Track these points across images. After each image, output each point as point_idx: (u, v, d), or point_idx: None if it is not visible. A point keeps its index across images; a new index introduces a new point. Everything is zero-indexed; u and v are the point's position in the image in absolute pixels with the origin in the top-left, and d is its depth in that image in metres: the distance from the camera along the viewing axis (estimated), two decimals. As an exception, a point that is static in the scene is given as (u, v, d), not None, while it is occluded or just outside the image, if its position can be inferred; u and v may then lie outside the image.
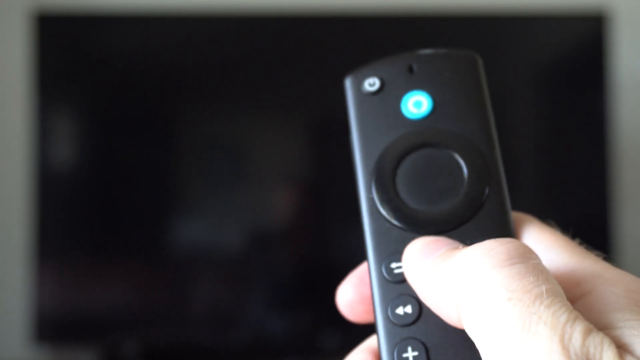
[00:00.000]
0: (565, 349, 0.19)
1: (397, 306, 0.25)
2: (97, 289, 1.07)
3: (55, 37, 1.07)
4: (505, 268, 0.21)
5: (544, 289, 0.20)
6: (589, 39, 1.09)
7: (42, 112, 1.05)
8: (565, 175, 1.10)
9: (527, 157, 1.11)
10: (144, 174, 1.09)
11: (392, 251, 0.26)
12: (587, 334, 0.19)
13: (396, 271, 0.25)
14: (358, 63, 1.05)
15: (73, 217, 1.08)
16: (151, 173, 1.09)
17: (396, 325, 0.25)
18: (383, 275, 0.25)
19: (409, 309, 0.25)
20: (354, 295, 0.28)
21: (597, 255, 0.25)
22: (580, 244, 0.26)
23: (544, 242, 0.26)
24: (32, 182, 1.05)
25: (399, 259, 0.25)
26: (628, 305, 0.21)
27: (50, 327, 1.05)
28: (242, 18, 1.08)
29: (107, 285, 1.07)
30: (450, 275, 0.23)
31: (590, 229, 1.08)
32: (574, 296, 0.22)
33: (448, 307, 0.23)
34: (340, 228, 1.07)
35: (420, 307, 0.24)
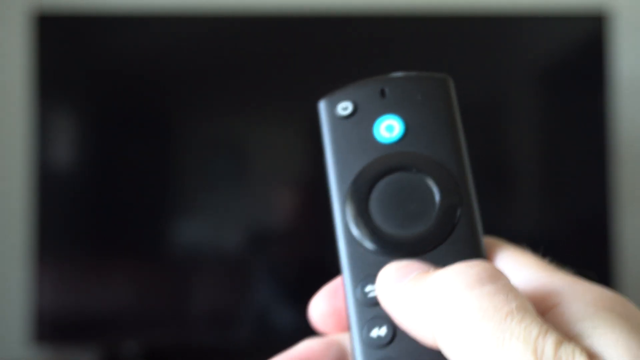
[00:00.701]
0: None
1: (372, 328, 0.25)
2: (97, 289, 1.07)
3: (55, 37, 1.07)
4: (477, 289, 0.22)
5: (514, 306, 0.21)
6: (589, 39, 1.09)
7: (42, 112, 1.05)
8: (565, 176, 1.10)
9: (527, 157, 1.11)
10: (144, 174, 1.09)
11: (366, 274, 0.26)
12: (558, 345, 0.20)
13: (370, 295, 0.26)
14: (358, 63, 1.05)
15: (73, 217, 1.08)
16: (151, 173, 1.10)
17: (371, 347, 0.25)
18: (358, 298, 0.26)
19: (383, 331, 0.25)
20: (326, 308, 0.29)
21: (567, 271, 0.26)
22: (550, 262, 0.27)
23: (514, 262, 0.27)
24: (32, 182, 1.05)
25: (373, 282, 0.26)
26: (596, 312, 0.22)
27: (50, 327, 1.05)
28: (242, 18, 1.08)
29: (107, 285, 1.07)
30: (423, 298, 0.23)
31: (590, 229, 1.08)
32: (545, 309, 0.23)
33: (423, 329, 0.23)
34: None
35: (394, 329, 0.25)
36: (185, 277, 1.08)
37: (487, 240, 0.28)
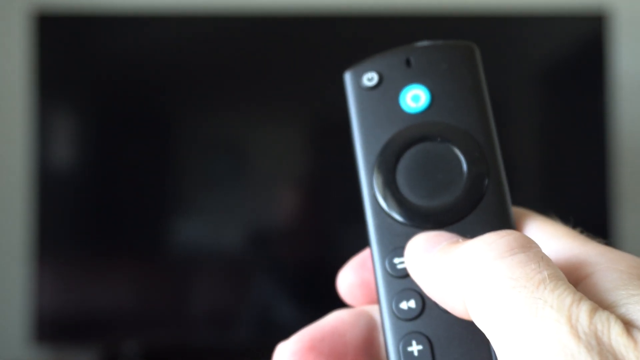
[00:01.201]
0: (574, 328, 0.19)
1: (401, 300, 0.25)
2: (97, 289, 1.07)
3: (55, 37, 1.07)
4: (507, 258, 0.22)
5: (546, 275, 0.21)
6: (589, 39, 1.09)
7: (42, 112, 1.05)
8: (566, 175, 1.10)
9: (527, 156, 1.11)
10: (144, 174, 1.09)
11: (395, 246, 0.26)
12: (593, 313, 0.20)
13: (399, 266, 0.26)
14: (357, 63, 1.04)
15: (73, 217, 1.08)
16: (151, 173, 1.09)
17: (400, 319, 0.25)
18: (387, 270, 0.26)
19: (412, 303, 0.25)
20: (354, 279, 0.29)
21: (599, 242, 0.25)
22: (581, 232, 0.26)
23: (544, 232, 0.26)
24: (32, 182, 1.05)
25: (401, 254, 0.26)
26: (631, 281, 0.22)
27: (50, 327, 1.05)
28: (242, 18, 1.08)
29: (107, 285, 1.07)
30: (453, 267, 0.23)
31: (590, 228, 1.08)
32: (577, 279, 0.23)
33: (453, 300, 0.23)
34: (340, 227, 1.08)
35: (423, 301, 0.25)
36: (185, 277, 1.08)
37: (516, 210, 0.27)
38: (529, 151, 1.11)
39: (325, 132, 1.10)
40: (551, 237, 0.26)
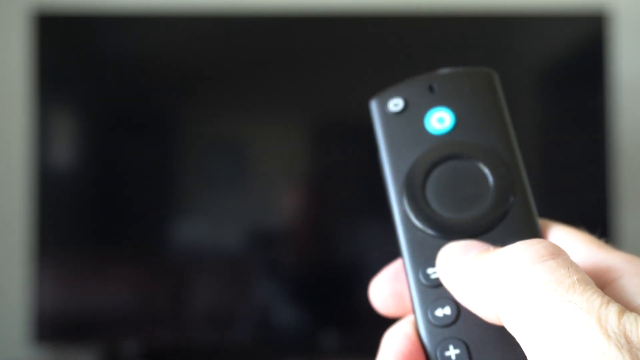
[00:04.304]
0: (604, 328, 0.20)
1: (436, 308, 0.26)
2: (97, 289, 1.07)
3: (55, 37, 1.07)
4: (538, 264, 0.23)
5: (575, 279, 0.22)
6: (589, 39, 1.09)
7: (42, 112, 1.05)
8: (565, 176, 1.10)
9: (527, 157, 1.11)
10: (144, 174, 1.09)
11: (426, 257, 0.27)
12: (621, 314, 0.21)
13: (432, 276, 0.27)
14: (358, 63, 1.05)
15: (73, 217, 1.08)
16: (151, 173, 1.09)
17: (436, 326, 0.26)
18: (420, 281, 0.27)
19: (447, 310, 0.26)
20: (388, 290, 0.30)
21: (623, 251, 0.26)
22: (606, 242, 0.27)
23: (571, 241, 0.27)
24: (32, 182, 1.05)
25: (434, 265, 0.27)
26: None
27: (50, 327, 1.05)
28: (242, 18, 1.08)
29: (107, 285, 1.07)
30: (485, 274, 0.24)
31: (591, 228, 1.08)
32: (604, 283, 0.24)
33: (485, 305, 0.24)
34: (341, 228, 1.08)
35: (458, 308, 0.26)
36: (185, 277, 1.08)
37: (542, 222, 0.28)
38: (529, 151, 1.11)
39: (326, 132, 1.10)
40: (578, 245, 0.27)
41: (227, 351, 1.08)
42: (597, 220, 1.07)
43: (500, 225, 0.27)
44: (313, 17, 1.09)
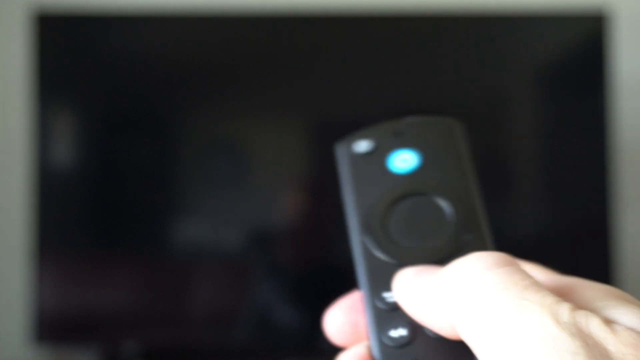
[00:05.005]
0: (556, 319, 0.21)
1: (391, 329, 0.27)
2: (97, 288, 1.07)
3: (55, 37, 1.07)
4: (493, 270, 0.23)
5: (529, 282, 0.23)
6: (589, 39, 1.09)
7: (42, 112, 1.05)
8: (566, 176, 1.10)
9: (527, 157, 1.11)
10: (144, 174, 1.09)
11: (383, 282, 0.28)
12: (573, 309, 0.21)
13: (389, 300, 0.27)
14: (358, 63, 1.05)
15: (73, 217, 1.08)
16: (151, 173, 1.10)
17: (391, 347, 0.26)
18: (376, 305, 0.27)
19: (402, 332, 0.26)
20: (343, 319, 0.30)
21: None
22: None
23: (527, 268, 0.28)
24: (32, 182, 1.05)
25: (390, 289, 0.27)
26: (608, 297, 0.23)
27: (50, 327, 1.05)
28: (242, 18, 1.08)
29: (107, 285, 1.07)
30: (440, 284, 0.24)
31: (591, 229, 1.08)
32: (559, 296, 0.24)
33: (440, 316, 0.24)
34: (341, 228, 1.07)
35: (414, 329, 0.26)
36: (185, 277, 1.08)
37: None
38: (528, 151, 1.11)
39: (326, 132, 1.10)
40: (532, 269, 0.28)
41: (227, 351, 1.08)
42: (597, 221, 1.07)
43: (456, 255, 0.27)
44: (313, 17, 1.09)
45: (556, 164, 1.11)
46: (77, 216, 1.09)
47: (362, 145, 0.31)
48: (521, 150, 1.11)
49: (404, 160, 0.30)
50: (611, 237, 1.06)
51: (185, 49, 1.09)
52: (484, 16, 1.10)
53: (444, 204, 0.29)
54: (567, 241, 1.09)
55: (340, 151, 0.32)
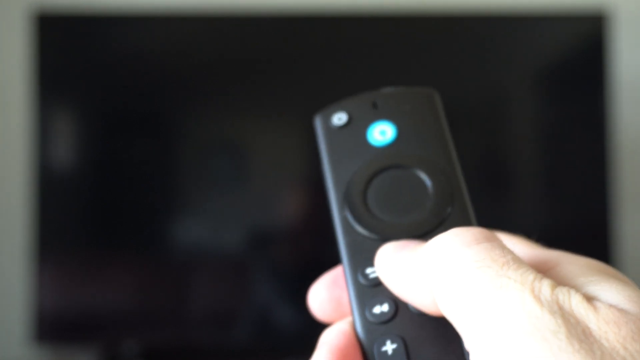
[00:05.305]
0: (537, 297, 0.21)
1: (374, 306, 0.26)
2: (97, 288, 1.07)
3: (55, 37, 1.07)
4: (473, 246, 0.23)
5: (509, 258, 0.22)
6: (589, 39, 1.09)
7: (42, 112, 1.05)
8: (566, 176, 1.10)
9: (527, 157, 1.11)
10: (144, 174, 1.09)
11: (365, 258, 0.28)
12: (554, 286, 0.21)
13: (371, 276, 0.27)
14: (357, 63, 1.05)
15: (73, 217, 1.08)
16: (151, 173, 1.10)
17: (374, 323, 0.26)
18: (359, 281, 0.27)
19: (385, 307, 0.26)
20: (325, 296, 0.30)
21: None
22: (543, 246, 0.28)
23: (509, 242, 0.28)
24: (32, 182, 1.06)
25: (373, 264, 0.27)
26: (590, 271, 0.24)
27: (50, 327, 1.05)
28: (242, 18, 1.08)
29: (107, 285, 1.07)
30: (421, 261, 0.24)
31: (591, 229, 1.08)
32: (541, 271, 0.24)
33: (422, 293, 0.24)
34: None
35: (396, 305, 0.26)
36: (185, 277, 1.09)
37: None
38: (528, 151, 1.11)
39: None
40: (516, 245, 0.28)
41: (227, 351, 1.08)
42: (597, 221, 1.07)
43: (438, 229, 0.27)
44: (313, 17, 1.09)
45: (556, 163, 1.11)
46: (77, 216, 1.09)
47: (339, 118, 0.31)
48: (521, 150, 1.11)
49: (382, 133, 0.30)
50: (611, 237, 1.06)
51: (185, 49, 1.09)
52: (484, 16, 1.10)
53: (424, 176, 0.29)
54: (567, 241, 1.08)
55: (318, 124, 0.32)
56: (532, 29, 1.10)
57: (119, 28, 1.08)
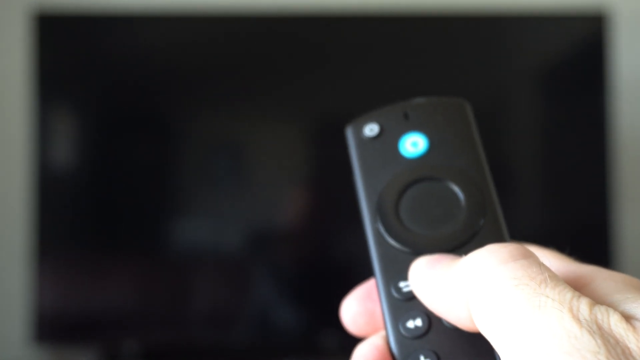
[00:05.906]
0: (575, 317, 0.21)
1: (408, 320, 0.26)
2: (97, 288, 1.07)
3: (55, 37, 1.07)
4: (510, 263, 0.23)
5: (547, 276, 0.22)
6: (589, 39, 1.09)
7: (42, 112, 1.05)
8: (566, 176, 1.10)
9: (527, 157, 1.11)
10: (144, 174, 1.09)
11: (399, 272, 0.27)
12: (592, 305, 0.21)
13: (405, 289, 0.27)
14: (357, 63, 1.05)
15: (73, 217, 1.08)
16: (151, 173, 1.10)
17: (407, 338, 0.26)
18: (392, 295, 0.27)
19: (418, 322, 0.26)
20: (358, 309, 0.30)
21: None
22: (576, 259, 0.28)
23: (543, 256, 0.28)
24: (32, 182, 1.06)
25: (406, 278, 0.27)
26: (626, 288, 0.23)
27: (50, 327, 1.05)
28: (242, 18, 1.08)
29: (107, 285, 1.07)
30: (457, 277, 0.24)
31: (591, 229, 1.08)
32: (576, 288, 0.24)
33: (457, 309, 0.24)
34: (341, 228, 1.08)
35: (429, 320, 0.26)
36: (185, 277, 1.09)
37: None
38: (528, 151, 1.11)
39: (326, 132, 1.10)
40: (550, 259, 0.27)
41: (227, 351, 1.08)
42: (597, 220, 1.07)
43: (471, 242, 0.27)
44: (313, 17, 1.09)
45: (556, 163, 1.11)
46: (77, 216, 1.09)
47: (371, 129, 0.31)
48: (521, 150, 1.11)
49: (414, 144, 0.30)
50: (611, 237, 1.06)
51: (185, 49, 1.09)
52: (484, 16, 1.10)
53: (456, 188, 0.29)
54: (567, 241, 1.09)
55: (349, 135, 0.32)
56: (532, 29, 1.10)
57: (118, 28, 1.08)
